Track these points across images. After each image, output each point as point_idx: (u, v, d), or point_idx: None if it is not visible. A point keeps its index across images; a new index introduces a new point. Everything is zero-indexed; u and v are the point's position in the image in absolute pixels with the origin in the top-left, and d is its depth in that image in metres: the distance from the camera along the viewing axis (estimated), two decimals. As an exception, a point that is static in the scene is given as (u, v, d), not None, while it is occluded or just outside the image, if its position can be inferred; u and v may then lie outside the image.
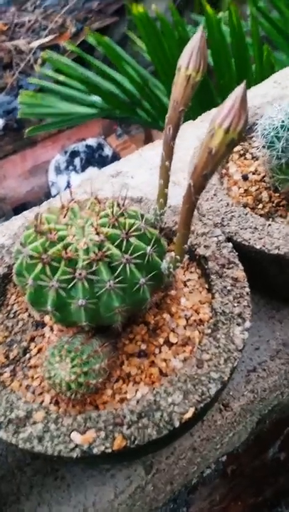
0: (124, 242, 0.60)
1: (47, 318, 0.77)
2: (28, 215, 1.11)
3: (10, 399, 0.64)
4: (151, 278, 0.62)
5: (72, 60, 2.41)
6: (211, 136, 0.50)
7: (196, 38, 0.57)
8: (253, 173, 0.92)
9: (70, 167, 3.62)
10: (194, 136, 1.17)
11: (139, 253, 0.60)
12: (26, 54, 4.28)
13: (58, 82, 2.38)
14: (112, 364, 0.67)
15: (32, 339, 0.75)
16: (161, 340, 0.70)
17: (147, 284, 0.62)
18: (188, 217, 0.57)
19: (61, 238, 0.60)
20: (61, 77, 2.34)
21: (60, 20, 4.43)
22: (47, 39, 4.25)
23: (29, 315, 0.78)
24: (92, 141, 3.72)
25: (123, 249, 0.60)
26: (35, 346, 0.74)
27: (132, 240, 0.61)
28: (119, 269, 0.59)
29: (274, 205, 0.88)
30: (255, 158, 0.95)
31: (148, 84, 2.24)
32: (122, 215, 0.62)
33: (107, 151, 3.73)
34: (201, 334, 0.70)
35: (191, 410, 0.61)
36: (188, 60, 0.57)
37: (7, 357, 0.73)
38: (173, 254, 0.63)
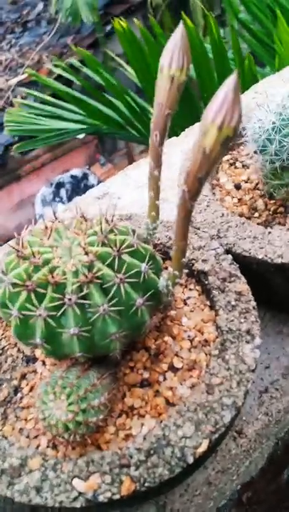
0: (116, 261, 0.55)
1: (38, 352, 0.70)
2: (13, 244, 1.05)
3: (2, 446, 0.57)
4: (149, 298, 0.56)
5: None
6: (204, 134, 0.45)
7: (177, 36, 0.53)
8: (246, 182, 0.88)
9: (57, 198, 3.60)
10: (180, 152, 1.14)
11: (133, 271, 0.55)
12: (5, 91, 4.31)
13: (43, 102, 2.36)
14: (112, 397, 0.60)
15: (23, 376, 0.69)
16: (164, 367, 0.64)
17: (145, 304, 0.56)
18: (185, 227, 0.52)
19: (46, 261, 0.55)
20: (47, 97, 2.32)
21: (36, 57, 4.48)
22: (24, 76, 4.28)
23: (18, 350, 0.72)
24: (76, 172, 3.71)
25: (115, 268, 0.54)
26: (27, 384, 0.67)
27: (125, 257, 0.55)
28: (112, 291, 0.54)
29: (271, 212, 0.83)
30: (246, 166, 0.91)
31: (133, 99, 2.21)
32: (111, 231, 0.57)
33: (92, 180, 3.71)
34: (208, 356, 0.64)
35: (205, 443, 0.55)
36: (170, 59, 0.53)
37: (-3, 398, 0.66)
38: (170, 270, 0.57)
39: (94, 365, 0.60)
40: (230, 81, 0.43)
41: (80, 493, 0.52)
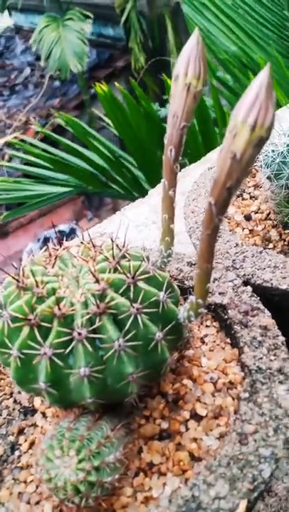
0: (132, 289, 0.48)
1: (37, 403, 0.61)
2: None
3: (-3, 518, 0.48)
4: (169, 331, 0.49)
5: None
6: (233, 136, 0.40)
7: (192, 43, 0.49)
8: (256, 213, 0.83)
9: (44, 253, 3.57)
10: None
11: (151, 300, 0.48)
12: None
13: (29, 164, 2.37)
14: (128, 452, 0.51)
15: (21, 431, 0.59)
16: (186, 415, 0.55)
17: (165, 339, 0.48)
18: (211, 246, 0.45)
19: (51, 292, 0.47)
20: (32, 158, 2.32)
21: (23, 118, 4.59)
22: (11, 136, 4.35)
23: (15, 401, 0.63)
24: (64, 227, 3.70)
25: (131, 297, 0.47)
26: (26, 440, 0.58)
27: (141, 284, 0.48)
28: (128, 323, 0.46)
29: (286, 243, 0.77)
30: (253, 197, 0.86)
31: (118, 158, 2.23)
32: (123, 257, 0.50)
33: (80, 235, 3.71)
34: (236, 400, 0.56)
35: (243, 503, 0.46)
36: (186, 67, 0.48)
37: (-10, 459, 0.57)
38: (192, 298, 0.50)
39: (105, 415, 0.51)
40: (263, 76, 0.38)
41: None
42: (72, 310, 0.46)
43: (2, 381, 0.65)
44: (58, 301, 0.46)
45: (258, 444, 0.49)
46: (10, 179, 2.38)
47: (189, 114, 0.50)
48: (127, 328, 0.46)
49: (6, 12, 4.84)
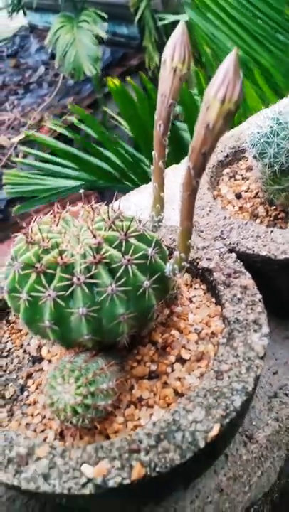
0: (124, 244, 0.56)
1: (44, 352, 0.70)
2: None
3: (8, 436, 0.56)
4: (156, 281, 0.57)
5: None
6: (207, 109, 0.48)
7: (178, 32, 0.57)
8: (246, 191, 0.90)
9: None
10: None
11: (140, 254, 0.56)
12: (7, 149, 4.47)
13: (42, 160, 2.45)
14: (120, 386, 0.59)
15: (29, 376, 0.68)
16: (172, 358, 0.63)
17: (152, 287, 0.56)
18: (191, 206, 0.53)
19: (55, 245, 0.56)
20: (45, 156, 2.41)
21: (37, 116, 4.69)
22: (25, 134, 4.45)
23: (24, 351, 0.71)
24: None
25: (123, 250, 0.55)
26: (33, 382, 0.67)
27: (132, 240, 0.56)
28: (120, 272, 0.54)
29: (272, 218, 0.85)
30: (245, 178, 0.94)
31: (132, 156, 2.31)
32: (118, 218, 0.58)
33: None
34: (216, 346, 0.64)
35: (217, 427, 0.53)
36: (173, 53, 0.56)
37: (3, 397, 0.65)
38: (176, 253, 0.58)
39: (101, 354, 0.59)
40: (231, 58, 0.46)
41: (88, 479, 0.51)
42: (73, 259, 0.54)
43: (13, 335, 0.74)
44: (61, 252, 0.55)
45: (231, 380, 0.57)
46: (21, 173, 2.46)
47: (175, 93, 0.58)
48: (118, 275, 0.54)
49: (21, 11, 4.95)
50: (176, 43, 0.56)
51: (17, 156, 4.06)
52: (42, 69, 5.38)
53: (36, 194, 2.41)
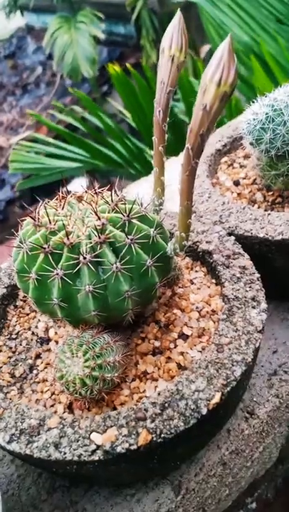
0: (127, 225, 0.58)
1: (52, 333, 0.73)
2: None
3: (20, 409, 0.59)
4: (158, 260, 0.60)
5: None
6: (203, 92, 0.50)
7: (175, 21, 0.60)
8: (244, 179, 0.93)
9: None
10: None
11: (142, 234, 0.59)
12: (6, 150, 4.50)
13: (46, 143, 2.52)
14: (126, 361, 0.62)
15: (38, 356, 0.71)
16: (175, 335, 0.66)
17: (155, 265, 0.59)
18: (190, 186, 0.56)
19: (62, 227, 0.58)
20: (50, 139, 2.48)
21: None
22: (25, 134, 4.48)
23: (32, 333, 0.74)
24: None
25: (126, 231, 0.58)
26: (42, 362, 0.69)
27: (135, 221, 0.59)
28: (124, 251, 0.57)
29: (269, 203, 0.87)
30: (243, 166, 0.97)
31: (133, 143, 2.35)
32: (120, 201, 0.61)
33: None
34: (216, 323, 0.67)
35: (218, 395, 0.56)
36: (170, 41, 0.59)
37: (13, 375, 0.68)
38: (177, 233, 0.61)
39: (107, 332, 0.62)
40: (225, 43, 0.49)
41: (98, 446, 0.54)
42: (79, 240, 0.57)
43: (22, 318, 0.77)
44: (67, 234, 0.57)
45: (231, 352, 0.60)
46: (26, 153, 2.53)
47: (173, 81, 0.61)
48: (122, 254, 0.57)
49: (18, 12, 4.97)
50: (173, 32, 0.59)
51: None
52: (39, 69, 5.41)
53: (39, 172, 2.50)
